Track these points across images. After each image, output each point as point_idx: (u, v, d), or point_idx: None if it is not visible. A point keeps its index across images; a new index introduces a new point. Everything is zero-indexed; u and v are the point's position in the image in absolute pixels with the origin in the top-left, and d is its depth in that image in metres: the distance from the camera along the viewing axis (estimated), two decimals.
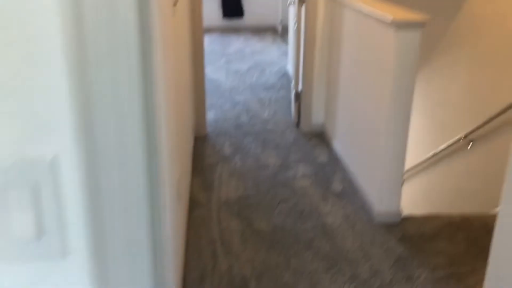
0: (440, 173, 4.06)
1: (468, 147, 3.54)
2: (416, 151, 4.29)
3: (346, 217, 2.72)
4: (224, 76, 5.44)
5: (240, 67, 5.80)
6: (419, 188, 4.34)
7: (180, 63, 2.54)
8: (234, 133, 3.87)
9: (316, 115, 3.83)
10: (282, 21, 7.59)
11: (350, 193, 2.96)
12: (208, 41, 7.13)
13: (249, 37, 7.50)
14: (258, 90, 4.95)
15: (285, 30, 7.16)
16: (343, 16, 3.21)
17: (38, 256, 0.58)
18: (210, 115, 4.19)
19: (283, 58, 6.15)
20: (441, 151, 3.86)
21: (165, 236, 0.70)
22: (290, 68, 5.04)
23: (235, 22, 8.00)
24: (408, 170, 4.30)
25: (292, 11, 4.97)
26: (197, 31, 3.54)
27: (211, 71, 5.57)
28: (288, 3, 5.72)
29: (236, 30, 7.90)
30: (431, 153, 3.96)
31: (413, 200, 4.35)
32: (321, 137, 3.75)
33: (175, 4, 2.13)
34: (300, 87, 3.86)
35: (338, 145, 3.43)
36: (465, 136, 3.55)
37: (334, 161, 3.38)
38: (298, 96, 3.90)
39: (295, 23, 4.09)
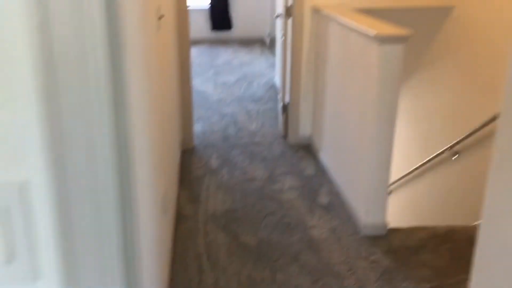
0: (426, 184, 4.09)
1: (453, 159, 3.57)
2: (402, 163, 4.32)
3: (332, 230, 2.72)
4: (212, 88, 5.45)
5: (228, 79, 5.82)
6: (406, 200, 4.37)
7: (165, 76, 2.54)
8: (222, 146, 3.87)
9: (303, 127, 3.84)
10: (270, 33, 7.64)
11: (337, 206, 2.97)
12: (197, 53, 7.15)
13: (237, 49, 7.54)
14: (245, 102, 4.97)
15: (273, 42, 7.21)
16: (328, 29, 3.25)
17: (9, 280, 0.57)
18: (198, 127, 4.19)
19: (271, 70, 6.18)
20: (426, 162, 3.89)
21: (139, 262, 0.70)
22: (278, 80, 5.07)
23: (223, 34, 8.04)
24: (394, 182, 4.33)
25: (279, 23, 5.02)
26: (184, 44, 3.55)
27: (199, 83, 5.58)
28: (275, 15, 5.77)
29: (224, 42, 7.93)
30: (417, 165, 3.99)
31: (400, 212, 4.37)
32: (308, 149, 3.77)
33: (160, 18, 2.13)
34: (287, 99, 3.88)
35: (325, 157, 3.45)
36: (450, 148, 3.58)
37: (321, 173, 3.39)
38: (285, 108, 3.92)
39: (282, 36, 4.12)
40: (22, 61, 0.50)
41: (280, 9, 4.54)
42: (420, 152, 4.13)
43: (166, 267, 2.21)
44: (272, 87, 5.49)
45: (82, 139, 0.54)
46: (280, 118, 4.08)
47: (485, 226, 1.48)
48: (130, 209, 0.67)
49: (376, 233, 2.67)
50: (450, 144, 3.56)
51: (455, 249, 2.58)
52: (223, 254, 2.51)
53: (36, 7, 0.50)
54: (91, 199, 0.58)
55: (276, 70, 5.63)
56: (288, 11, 3.68)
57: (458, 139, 3.47)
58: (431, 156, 3.80)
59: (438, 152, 3.71)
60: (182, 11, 3.44)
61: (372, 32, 2.42)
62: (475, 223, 2.88)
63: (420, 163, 3.96)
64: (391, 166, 2.60)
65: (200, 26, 7.92)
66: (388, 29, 2.49)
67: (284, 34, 3.88)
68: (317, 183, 3.25)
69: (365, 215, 2.67)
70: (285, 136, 3.97)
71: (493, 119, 3.08)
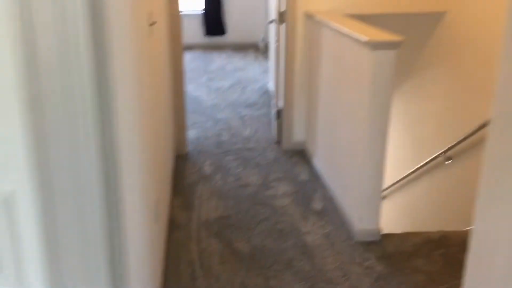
0: (420, 189, 4.09)
1: (446, 163, 3.57)
2: (397, 168, 4.32)
3: (326, 236, 2.72)
4: (206, 94, 5.44)
5: (222, 85, 5.82)
6: (400, 205, 4.37)
7: (158, 82, 2.53)
8: (215, 151, 3.86)
9: (297, 133, 3.84)
10: (264, 38, 7.66)
11: (331, 211, 2.97)
12: (191, 58, 7.14)
13: (231, 54, 7.54)
14: (239, 107, 4.96)
15: (267, 47, 7.22)
16: (321, 35, 3.25)
17: None
18: (192, 133, 4.18)
19: (265, 75, 6.18)
20: (420, 167, 3.90)
21: (126, 271, 0.69)
22: (271, 86, 5.07)
23: (217, 39, 8.04)
24: (388, 187, 4.33)
25: (272, 29, 5.02)
26: (177, 50, 3.55)
27: (193, 89, 5.58)
28: (268, 21, 5.78)
29: (218, 48, 7.94)
30: (411, 170, 4.00)
31: (395, 217, 4.37)
32: (302, 155, 3.76)
33: (151, 24, 2.13)
34: (280, 105, 3.88)
35: (319, 162, 3.45)
36: (444, 153, 3.59)
37: (315, 179, 3.38)
38: (279, 113, 3.91)
39: (275, 41, 4.12)
40: (6, 74, 0.50)
41: (273, 15, 4.55)
42: (414, 157, 4.14)
43: (158, 275, 2.19)
44: (266, 92, 5.49)
45: (67, 149, 0.54)
46: (274, 123, 4.08)
47: (477, 231, 1.48)
48: (117, 219, 0.67)
49: (370, 239, 2.66)
50: (444, 149, 3.57)
51: (449, 255, 2.58)
52: (216, 261, 2.49)
53: (20, 20, 0.50)
54: (77, 209, 0.57)
55: (269, 75, 5.64)
56: (281, 17, 3.69)
57: (451, 144, 3.48)
58: (425, 161, 3.81)
59: (432, 157, 3.72)
60: (174, 17, 3.44)
61: (365, 38, 2.42)
62: (468, 228, 2.88)
63: (414, 168, 3.96)
64: (384, 172, 2.60)
65: (193, 31, 7.92)
66: (381, 35, 2.50)
67: (278, 40, 3.88)
68: (311, 189, 3.24)
69: (358, 221, 2.67)
70: (278, 141, 3.97)
71: (484, 125, 3.09)
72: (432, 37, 3.92)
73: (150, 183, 1.96)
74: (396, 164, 4.39)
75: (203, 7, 7.85)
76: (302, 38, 3.60)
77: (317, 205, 3.05)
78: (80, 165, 0.56)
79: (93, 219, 0.59)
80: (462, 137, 3.34)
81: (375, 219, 2.66)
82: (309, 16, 3.49)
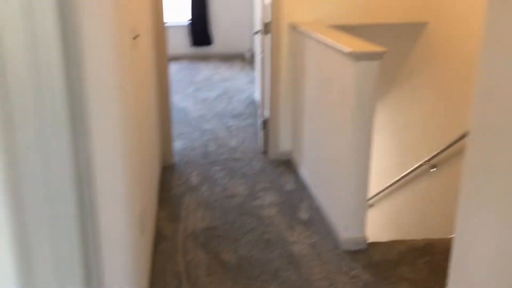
0: (406, 197, 4.13)
1: (430, 171, 3.62)
2: (383, 176, 4.36)
3: (312, 246, 2.72)
4: (192, 104, 5.44)
5: (209, 95, 5.83)
6: (387, 213, 4.40)
7: (143, 94, 2.53)
8: (202, 162, 3.86)
9: (283, 143, 3.86)
10: (250, 48, 7.70)
11: (317, 221, 2.98)
12: (177, 69, 7.15)
13: (218, 64, 7.57)
14: (226, 118, 4.97)
15: (253, 57, 7.26)
16: (305, 46, 3.29)
17: None
18: (178, 144, 4.18)
19: (251, 85, 6.21)
20: (406, 176, 3.94)
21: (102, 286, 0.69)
22: (257, 96, 5.09)
23: (204, 50, 8.07)
24: (375, 195, 4.36)
25: (258, 40, 5.06)
26: (162, 61, 3.55)
27: (179, 100, 5.58)
28: (253, 32, 5.82)
29: (205, 58, 7.96)
30: (396, 178, 4.04)
31: (381, 225, 4.40)
32: (288, 165, 3.78)
33: (135, 38, 2.14)
34: (267, 115, 3.90)
35: (305, 172, 3.46)
36: (428, 161, 3.63)
37: (301, 188, 3.40)
38: (265, 123, 3.93)
39: (261, 52, 4.15)
40: None
41: (258, 25, 4.58)
42: (400, 166, 4.18)
43: (144, 287, 2.17)
44: (252, 102, 5.51)
45: (39, 167, 0.54)
46: (260, 133, 4.09)
47: (458, 240, 1.50)
48: (93, 235, 0.67)
49: (356, 248, 2.68)
50: (428, 158, 3.61)
51: (434, 262, 2.60)
52: (202, 273, 2.49)
53: None
54: (49, 225, 0.57)
55: (255, 86, 5.66)
56: (266, 28, 3.72)
57: (435, 152, 3.53)
58: (410, 170, 3.85)
59: (417, 165, 3.76)
60: (159, 28, 3.45)
61: (348, 49, 2.46)
62: (453, 235, 2.91)
63: (399, 177, 4.00)
64: (369, 181, 2.62)
65: (180, 42, 7.94)
66: (363, 46, 2.53)
67: (263, 51, 3.91)
68: (297, 199, 3.25)
69: (344, 230, 2.68)
70: (265, 151, 3.98)
71: (463, 136, 3.14)
72: (414, 47, 3.99)
73: (135, 194, 1.95)
74: (383, 172, 4.42)
75: (190, 18, 7.87)
76: (287, 48, 3.63)
77: (304, 214, 3.06)
78: (52, 184, 0.57)
79: (66, 233, 0.59)
80: (445, 146, 3.39)
81: (361, 228, 2.68)
82: (293, 27, 3.53)
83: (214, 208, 3.14)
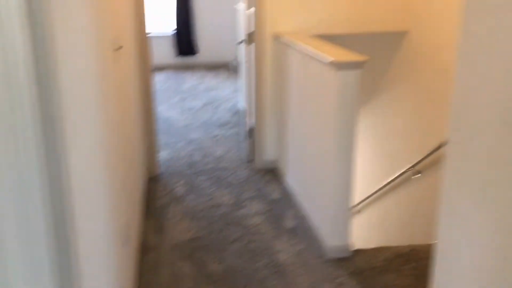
0: (391, 203, 4.16)
1: (414, 177, 3.65)
2: (369, 183, 4.39)
3: (298, 254, 2.73)
4: (177, 114, 5.44)
5: (194, 105, 5.82)
6: (372, 219, 4.43)
7: (126, 105, 2.53)
8: (188, 172, 3.85)
9: (269, 152, 3.87)
10: (235, 58, 7.72)
11: (303, 229, 2.98)
12: (163, 79, 7.14)
13: (204, 74, 7.57)
14: (212, 127, 4.97)
15: (239, 66, 7.28)
16: (288, 55, 3.31)
17: None
18: (164, 154, 4.16)
19: (237, 94, 6.22)
20: (391, 182, 3.97)
21: None
22: (243, 105, 5.10)
23: (189, 59, 8.08)
24: (361, 202, 4.39)
25: (242, 49, 5.08)
26: (146, 71, 3.55)
27: (164, 109, 5.57)
28: (237, 42, 5.85)
29: (191, 68, 7.96)
30: (381, 185, 4.07)
31: (367, 232, 4.42)
32: (274, 173, 3.79)
33: (117, 49, 2.14)
34: (252, 124, 3.91)
35: (291, 181, 3.47)
36: (413, 167, 3.67)
37: (287, 197, 3.40)
38: (250, 132, 3.94)
39: (245, 62, 4.17)
40: None
41: (242, 35, 4.61)
42: (385, 172, 4.21)
43: None
44: (238, 111, 5.52)
45: (11, 183, 0.54)
46: (246, 142, 4.10)
47: (440, 246, 1.52)
48: (67, 248, 0.66)
49: (341, 255, 2.69)
50: (412, 164, 3.65)
51: (419, 268, 2.62)
52: (188, 284, 2.47)
53: None
54: (21, 240, 0.57)
55: (240, 95, 5.68)
56: (250, 38, 3.75)
57: (419, 159, 3.56)
58: (395, 176, 3.88)
59: (401, 171, 3.79)
60: (142, 39, 3.45)
61: (329, 58, 2.48)
62: (436, 241, 2.93)
63: (384, 183, 4.03)
64: (353, 188, 2.64)
65: (166, 52, 7.94)
66: (345, 55, 2.56)
67: (247, 60, 3.93)
68: (283, 207, 3.26)
69: (329, 238, 2.69)
70: (251, 160, 3.98)
71: (441, 145, 3.18)
72: (396, 55, 4.04)
73: (118, 206, 1.94)
74: (368, 179, 4.45)
75: (175, 28, 7.88)
76: (271, 58, 3.66)
77: (289, 223, 3.06)
78: (23, 197, 0.56)
79: (39, 247, 0.59)
80: (428, 152, 3.43)
81: (346, 235, 2.69)
82: (276, 37, 3.56)
83: (199, 218, 3.13)
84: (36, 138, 0.56)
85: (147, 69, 3.54)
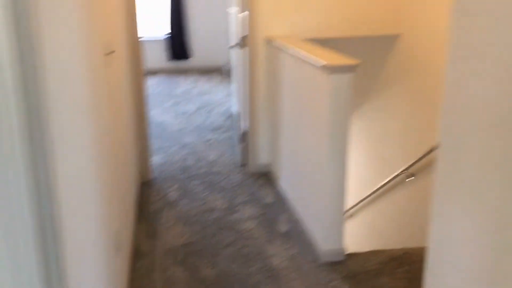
0: (384, 207, 4.16)
1: (408, 180, 3.66)
2: (362, 186, 4.40)
3: (292, 258, 2.72)
4: (171, 118, 5.42)
5: (188, 109, 5.82)
6: (366, 222, 4.43)
7: (118, 110, 2.51)
8: (181, 177, 3.83)
9: (262, 156, 3.87)
10: (229, 61, 7.72)
11: (296, 233, 2.98)
12: (157, 83, 7.12)
13: (197, 78, 7.57)
14: (205, 131, 4.97)
15: (232, 70, 7.27)
16: (281, 59, 3.32)
17: None
18: (157, 159, 4.15)
19: (230, 98, 6.22)
20: (384, 185, 3.97)
21: None
22: (235, 109, 5.10)
23: (183, 64, 8.07)
24: (354, 205, 4.39)
25: (235, 53, 5.08)
26: (139, 76, 3.54)
27: (158, 114, 5.55)
28: (230, 46, 5.85)
29: (183, 72, 7.95)
30: (374, 188, 4.07)
31: (361, 236, 4.42)
32: (267, 177, 3.78)
33: (109, 53, 2.13)
34: (245, 128, 3.90)
35: (284, 185, 3.47)
36: (406, 170, 3.68)
37: (281, 201, 3.40)
38: (244, 136, 3.94)
39: (238, 66, 4.17)
40: None
41: (235, 39, 4.61)
42: (378, 175, 4.22)
43: None
44: (231, 115, 5.52)
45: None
46: (239, 146, 4.09)
47: (432, 249, 1.52)
48: (56, 255, 0.65)
49: (334, 259, 2.68)
50: (406, 167, 3.66)
51: (413, 271, 2.62)
52: None
53: None
54: (10, 248, 0.56)
55: (233, 99, 5.67)
56: (243, 42, 3.75)
57: (412, 162, 3.57)
58: (388, 179, 3.89)
59: (395, 174, 3.80)
60: (134, 43, 3.44)
61: (321, 62, 2.49)
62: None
63: (377, 186, 4.03)
64: (346, 192, 2.64)
65: (159, 56, 7.93)
66: (337, 59, 2.57)
67: (240, 64, 3.93)
68: (277, 211, 3.25)
69: (323, 242, 2.69)
70: (244, 164, 3.98)
71: (433, 148, 3.19)
72: (388, 59, 4.06)
73: (110, 212, 1.93)
74: (361, 182, 4.46)
75: (168, 31, 7.88)
76: (264, 62, 3.66)
77: (283, 227, 3.05)
78: (12, 211, 0.56)
79: (27, 258, 0.58)
80: (421, 155, 3.44)
81: (339, 239, 2.69)
82: (269, 41, 3.56)
83: (192, 223, 3.12)
84: (23, 143, 0.55)
85: (139, 73, 3.53)
